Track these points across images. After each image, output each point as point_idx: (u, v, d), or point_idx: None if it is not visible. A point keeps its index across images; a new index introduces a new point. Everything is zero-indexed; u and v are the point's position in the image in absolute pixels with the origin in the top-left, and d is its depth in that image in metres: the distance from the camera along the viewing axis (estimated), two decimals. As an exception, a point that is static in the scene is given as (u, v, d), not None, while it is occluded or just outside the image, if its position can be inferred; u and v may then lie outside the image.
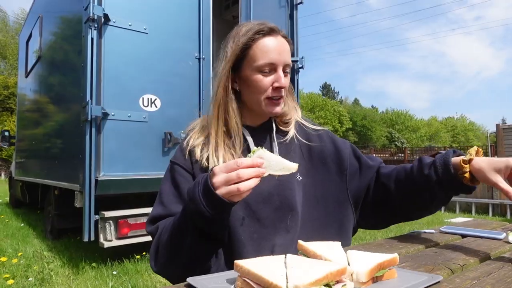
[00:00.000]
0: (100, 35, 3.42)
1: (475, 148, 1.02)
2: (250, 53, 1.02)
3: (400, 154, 24.35)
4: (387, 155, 25.54)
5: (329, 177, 1.12)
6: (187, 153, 1.07)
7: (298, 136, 1.16)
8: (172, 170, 1.08)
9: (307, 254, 0.78)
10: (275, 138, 1.12)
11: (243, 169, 0.77)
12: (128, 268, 3.86)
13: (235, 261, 0.67)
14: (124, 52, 3.56)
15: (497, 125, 9.05)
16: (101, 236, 3.59)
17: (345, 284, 0.62)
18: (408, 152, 23.85)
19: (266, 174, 0.82)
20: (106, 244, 3.58)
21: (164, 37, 3.82)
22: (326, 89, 60.65)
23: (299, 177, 1.09)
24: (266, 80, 1.02)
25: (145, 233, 3.12)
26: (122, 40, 3.54)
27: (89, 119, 3.29)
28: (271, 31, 1.03)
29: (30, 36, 6.56)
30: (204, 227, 0.85)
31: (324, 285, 0.59)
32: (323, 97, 50.11)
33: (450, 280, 0.75)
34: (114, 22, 3.48)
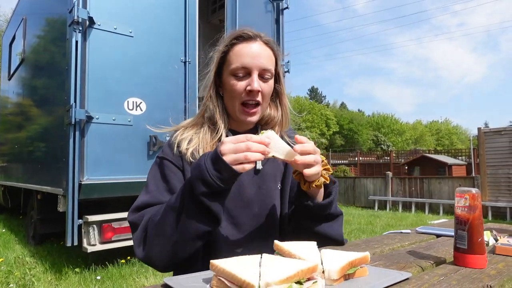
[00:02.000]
0: (84, 38, 3.41)
1: None
2: (227, 58, 1.04)
3: (386, 157, 24.65)
4: (373, 158, 25.83)
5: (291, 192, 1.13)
6: (175, 147, 1.06)
7: None
8: (161, 164, 1.05)
9: (282, 253, 0.80)
10: None
11: (251, 142, 0.80)
12: (112, 273, 3.82)
13: (211, 261, 0.69)
14: (109, 55, 3.54)
15: (479, 129, 9.25)
16: (84, 240, 3.55)
17: (315, 281, 0.64)
18: (394, 155, 24.15)
19: (270, 155, 0.84)
20: (90, 249, 3.54)
21: (150, 40, 3.81)
22: (314, 93, 61.05)
23: (279, 186, 1.12)
24: (240, 84, 1.02)
25: (130, 237, 3.10)
26: (107, 43, 3.53)
27: (73, 123, 3.26)
28: (249, 37, 1.03)
29: (14, 38, 6.45)
30: (204, 197, 0.83)
31: (296, 282, 0.61)
32: (311, 100, 50.44)
33: (419, 276, 0.78)
34: (99, 25, 3.46)
